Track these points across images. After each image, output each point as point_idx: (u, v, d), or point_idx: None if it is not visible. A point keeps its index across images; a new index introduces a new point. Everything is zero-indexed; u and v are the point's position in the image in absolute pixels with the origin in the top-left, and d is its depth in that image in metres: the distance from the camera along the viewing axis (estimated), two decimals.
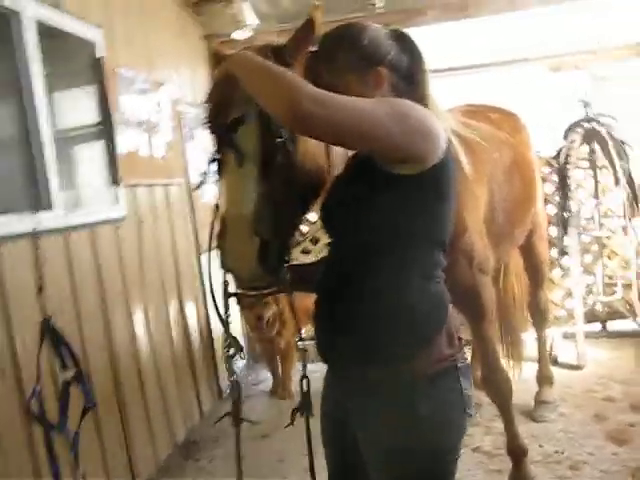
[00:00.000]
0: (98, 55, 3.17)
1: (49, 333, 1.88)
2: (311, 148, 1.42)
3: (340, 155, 1.51)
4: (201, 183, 1.47)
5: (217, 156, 1.41)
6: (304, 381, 1.48)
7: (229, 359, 1.55)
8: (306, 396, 1.46)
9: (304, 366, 1.53)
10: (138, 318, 3.33)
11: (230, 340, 1.54)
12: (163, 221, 3.75)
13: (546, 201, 4.59)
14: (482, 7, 4.41)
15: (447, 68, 4.81)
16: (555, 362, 4.18)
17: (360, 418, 1.45)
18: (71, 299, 2.74)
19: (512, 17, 4.66)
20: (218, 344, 4.13)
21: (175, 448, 3.52)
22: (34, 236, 1.99)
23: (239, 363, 4.86)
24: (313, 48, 1.44)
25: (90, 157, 3.26)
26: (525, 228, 2.98)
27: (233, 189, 1.37)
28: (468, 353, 1.54)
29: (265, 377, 4.61)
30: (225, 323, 1.54)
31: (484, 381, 2.60)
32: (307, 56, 1.44)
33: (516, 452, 2.73)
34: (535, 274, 3.42)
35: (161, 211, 3.75)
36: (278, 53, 1.42)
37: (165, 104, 3.86)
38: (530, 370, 3.62)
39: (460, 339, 1.45)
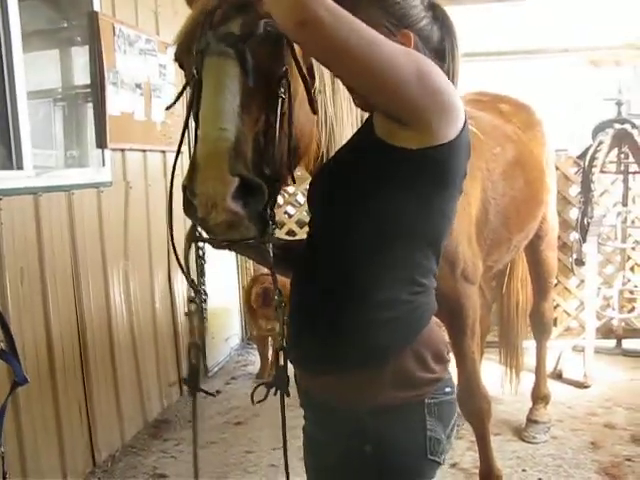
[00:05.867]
0: (94, 9, 3.00)
1: None
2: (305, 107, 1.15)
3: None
4: (173, 103, 1.28)
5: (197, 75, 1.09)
6: (281, 353, 1.17)
7: (191, 313, 1.23)
8: (282, 371, 1.16)
9: (283, 337, 1.19)
10: (116, 287, 3.20)
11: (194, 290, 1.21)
12: (158, 188, 3.59)
13: (570, 204, 4.30)
14: None
15: (481, 52, 4.52)
16: (559, 377, 3.92)
17: (307, 440, 1.28)
18: (37, 263, 2.62)
19: (556, 3, 4.34)
20: (209, 318, 3.97)
21: (146, 425, 3.41)
22: None
23: (232, 341, 4.74)
24: None
25: (78, 118, 3.12)
26: (527, 234, 2.69)
27: (210, 113, 1.04)
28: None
29: (255, 359, 4.44)
30: (187, 269, 1.17)
31: (459, 399, 2.38)
32: None
33: (489, 478, 2.51)
34: (540, 284, 3.15)
35: (157, 178, 3.60)
36: None
37: (171, 68, 3.68)
38: (530, 383, 3.36)
39: (445, 362, 1.20)
